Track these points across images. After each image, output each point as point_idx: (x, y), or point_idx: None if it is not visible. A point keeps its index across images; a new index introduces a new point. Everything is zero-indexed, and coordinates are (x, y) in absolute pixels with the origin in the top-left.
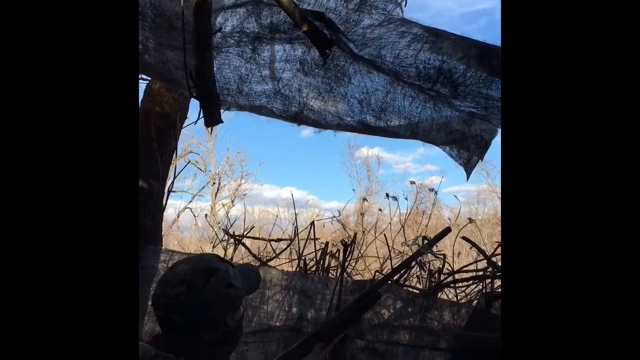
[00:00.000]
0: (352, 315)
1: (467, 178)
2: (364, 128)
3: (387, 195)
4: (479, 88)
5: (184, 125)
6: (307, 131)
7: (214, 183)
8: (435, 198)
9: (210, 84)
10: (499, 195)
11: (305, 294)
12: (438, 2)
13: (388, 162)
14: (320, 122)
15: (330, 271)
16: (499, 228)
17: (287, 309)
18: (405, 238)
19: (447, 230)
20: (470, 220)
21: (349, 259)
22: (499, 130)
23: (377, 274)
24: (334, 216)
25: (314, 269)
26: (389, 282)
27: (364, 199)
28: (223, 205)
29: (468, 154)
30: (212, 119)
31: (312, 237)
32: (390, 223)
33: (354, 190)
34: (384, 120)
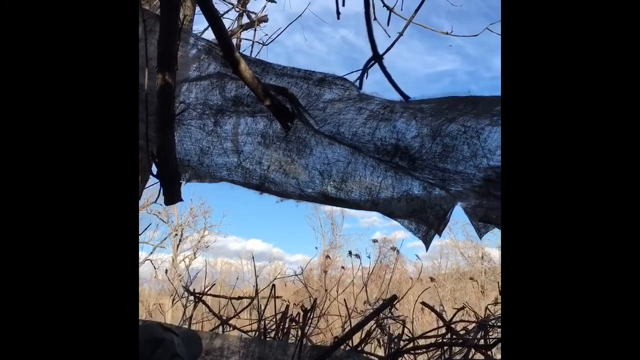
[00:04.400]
0: None
1: (427, 249)
2: (325, 199)
3: (350, 253)
4: (434, 162)
5: (146, 186)
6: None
7: (176, 234)
8: (397, 255)
9: (171, 165)
10: (461, 250)
11: None
12: (403, 62)
13: (354, 216)
14: (281, 193)
15: (292, 332)
16: (462, 283)
17: None
18: (367, 296)
19: (393, 298)
20: (432, 280)
21: (309, 323)
22: (458, 203)
23: (335, 339)
24: (296, 274)
25: (274, 331)
26: (349, 348)
27: (327, 256)
28: (183, 260)
29: (426, 227)
30: (171, 199)
31: (273, 296)
32: (353, 279)
33: (316, 248)
34: (345, 192)
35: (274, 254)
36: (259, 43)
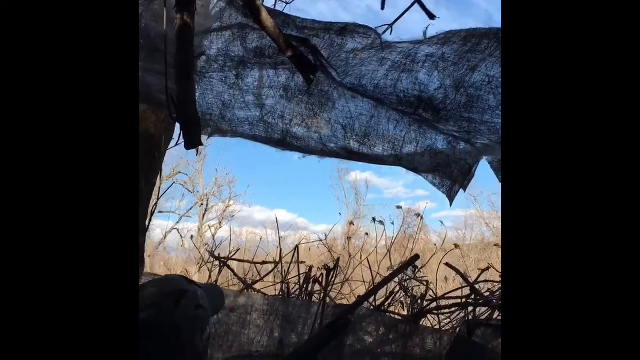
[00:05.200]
0: (321, 342)
1: (450, 204)
2: (347, 154)
3: (374, 219)
4: (459, 112)
5: (169, 147)
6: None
7: (201, 204)
8: (421, 222)
9: (190, 107)
10: (486, 220)
11: (287, 319)
12: (429, 31)
13: (378, 186)
14: (303, 148)
15: (314, 295)
16: (486, 253)
17: (268, 334)
18: (391, 262)
19: (415, 258)
20: (456, 246)
21: (332, 283)
22: (483, 157)
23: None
24: (320, 239)
25: (297, 292)
26: (372, 307)
27: (351, 222)
28: (209, 227)
29: (450, 182)
30: (191, 141)
31: (297, 260)
32: (376, 247)
33: (340, 214)
34: (368, 146)
35: (298, 223)
36: (282, 1)
